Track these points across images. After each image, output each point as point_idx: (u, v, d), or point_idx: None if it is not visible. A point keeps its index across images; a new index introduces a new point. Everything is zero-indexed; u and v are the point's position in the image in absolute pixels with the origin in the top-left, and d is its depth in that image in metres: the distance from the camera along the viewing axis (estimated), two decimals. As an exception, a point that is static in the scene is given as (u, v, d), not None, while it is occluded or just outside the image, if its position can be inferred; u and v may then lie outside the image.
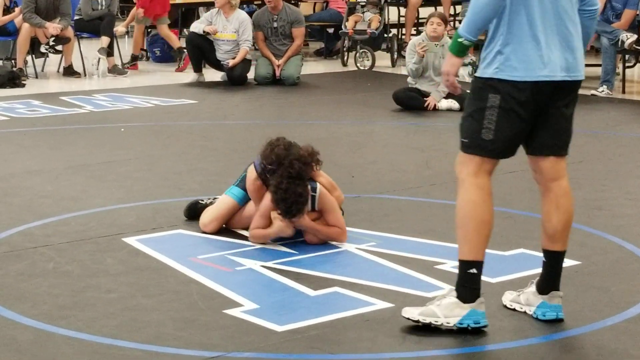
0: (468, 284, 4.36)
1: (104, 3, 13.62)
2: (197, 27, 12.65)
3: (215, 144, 8.90)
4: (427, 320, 4.38)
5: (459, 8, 16.18)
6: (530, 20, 4.26)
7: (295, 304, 4.80)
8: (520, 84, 4.25)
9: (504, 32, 4.29)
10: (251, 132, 9.62)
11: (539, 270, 5.20)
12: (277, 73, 12.71)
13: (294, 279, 5.12)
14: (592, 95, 11.59)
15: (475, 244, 4.34)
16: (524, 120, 4.34)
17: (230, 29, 12.53)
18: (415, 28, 15.45)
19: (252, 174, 5.80)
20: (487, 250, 5.49)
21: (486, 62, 4.32)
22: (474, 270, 4.34)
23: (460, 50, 4.35)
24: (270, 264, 5.37)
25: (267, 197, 5.63)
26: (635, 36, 11.86)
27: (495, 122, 4.31)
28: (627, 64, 12.97)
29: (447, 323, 4.36)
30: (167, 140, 9.14)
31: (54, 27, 12.79)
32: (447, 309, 4.38)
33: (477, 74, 4.37)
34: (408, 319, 4.43)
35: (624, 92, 12.12)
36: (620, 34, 11.75)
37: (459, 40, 4.32)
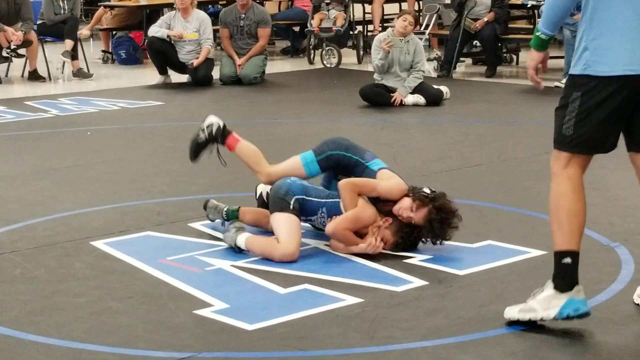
0: (563, 274, 4.33)
1: (66, 7, 13.56)
2: (155, 30, 12.58)
3: (182, 145, 8.79)
4: (527, 316, 4.38)
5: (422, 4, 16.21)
6: (614, 15, 4.21)
7: (265, 302, 4.80)
8: (605, 79, 4.22)
9: (589, 28, 4.28)
10: (218, 132, 9.62)
11: (507, 261, 5.27)
12: (238, 72, 12.71)
13: (263, 278, 5.13)
14: (556, 87, 11.65)
15: (567, 233, 4.33)
16: (612, 115, 4.28)
17: (190, 29, 12.52)
18: (380, 25, 15.48)
19: (403, 185, 5.55)
20: (454, 243, 5.58)
21: (575, 59, 4.32)
22: (568, 260, 4.32)
23: (540, 44, 4.50)
24: (239, 263, 5.37)
25: (371, 211, 5.52)
26: (598, 27, 11.92)
27: (575, 118, 4.32)
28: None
29: (547, 316, 4.34)
30: (135, 142, 9.13)
31: (14, 34, 12.73)
32: (545, 301, 4.37)
33: (569, 72, 4.38)
34: (510, 320, 4.42)
35: (587, 83, 12.17)
36: (583, 25, 11.80)
37: (538, 34, 4.47)
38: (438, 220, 5.39)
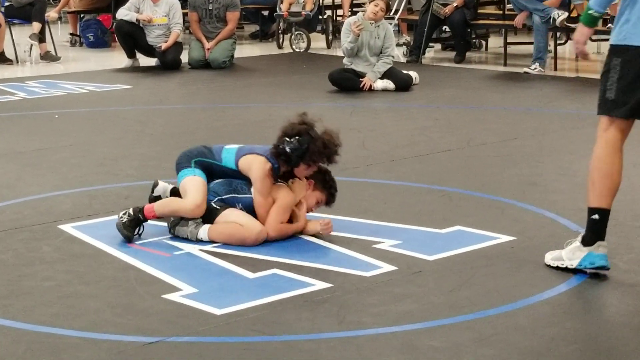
0: (590, 229, 4.79)
1: (32, -11, 13.45)
2: (124, 14, 12.50)
3: (151, 129, 8.85)
4: (556, 264, 4.91)
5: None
6: None
7: (234, 286, 4.79)
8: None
9: (632, 3, 4.69)
10: (187, 116, 9.59)
11: (476, 246, 5.28)
12: (207, 55, 12.66)
13: (232, 262, 5.12)
14: (525, 72, 11.70)
15: (598, 192, 4.73)
16: None
17: (160, 13, 12.45)
18: (350, 9, 15.46)
19: (263, 164, 5.49)
20: (423, 229, 5.60)
21: (614, 30, 4.74)
22: (596, 217, 4.76)
23: (590, 21, 4.88)
24: (208, 247, 5.36)
25: (287, 193, 5.53)
26: (566, 14, 11.99)
27: (616, 83, 4.73)
28: (558, 42, 13.12)
29: (571, 265, 4.84)
30: (102, 126, 9.07)
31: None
32: (570, 252, 4.86)
33: (610, 42, 4.80)
34: (546, 264, 4.96)
35: (555, 69, 12.25)
36: (552, 11, 11.87)
37: (589, 12, 4.86)
38: (330, 154, 5.54)
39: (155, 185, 5.89)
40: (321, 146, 5.49)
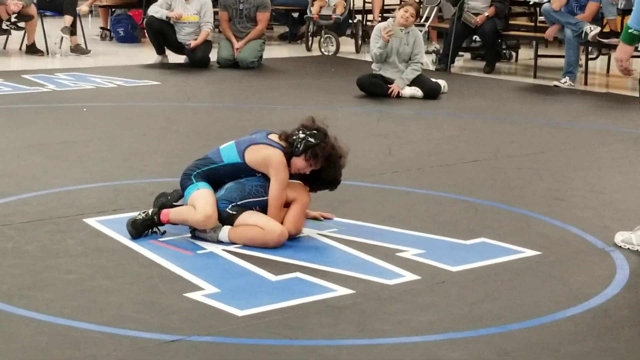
0: None
1: (61, -18, 13.52)
2: (156, 10, 12.52)
3: (177, 126, 8.85)
4: (626, 246, 5.34)
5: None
6: None
7: (256, 288, 4.78)
8: None
9: None
10: (214, 114, 9.60)
11: (500, 259, 5.25)
12: (235, 55, 12.66)
13: (255, 264, 5.11)
14: (555, 86, 11.65)
15: None
16: None
17: (191, 11, 12.47)
18: (380, 15, 15.46)
19: (279, 156, 5.50)
20: (448, 239, 5.57)
21: None
22: None
23: (630, 39, 5.14)
24: (231, 248, 5.35)
25: (306, 193, 5.60)
26: (599, 28, 11.94)
27: None
28: (589, 56, 13.07)
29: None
30: (129, 121, 9.09)
31: (14, 3, 12.68)
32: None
33: None
34: (615, 244, 5.39)
35: (586, 83, 12.19)
36: (584, 25, 11.82)
37: (629, 30, 5.10)
38: (333, 161, 5.54)
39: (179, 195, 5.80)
40: (329, 148, 5.53)
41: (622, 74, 5.34)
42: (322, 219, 5.90)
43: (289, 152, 5.54)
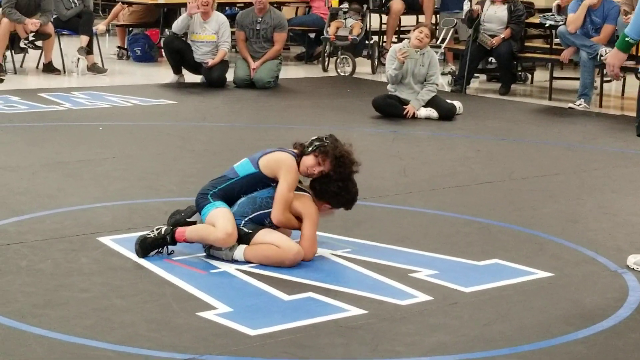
0: None
1: (76, 1, 13.59)
2: (177, 25, 12.61)
3: (193, 145, 8.89)
4: (639, 268, 5.36)
5: (439, 17, 16.20)
6: None
7: (268, 308, 4.80)
8: None
9: None
10: (230, 134, 9.63)
11: (513, 281, 5.25)
12: (252, 75, 12.71)
13: (268, 283, 5.12)
14: (570, 108, 11.65)
15: None
16: None
17: (209, 31, 12.53)
18: (396, 36, 15.49)
19: (291, 160, 5.58)
20: (460, 260, 5.59)
21: None
22: None
23: (625, 47, 5.26)
24: (245, 267, 5.37)
25: (314, 206, 5.62)
26: (614, 51, 11.93)
27: None
28: (604, 79, 13.04)
29: None
30: (145, 140, 9.13)
31: (32, 22, 12.76)
32: None
33: None
34: (627, 266, 5.40)
35: (600, 106, 12.18)
36: (599, 48, 11.82)
37: (626, 38, 5.22)
38: (343, 162, 5.57)
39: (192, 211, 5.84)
40: (342, 150, 5.58)
41: (612, 78, 5.46)
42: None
43: (300, 153, 5.62)
